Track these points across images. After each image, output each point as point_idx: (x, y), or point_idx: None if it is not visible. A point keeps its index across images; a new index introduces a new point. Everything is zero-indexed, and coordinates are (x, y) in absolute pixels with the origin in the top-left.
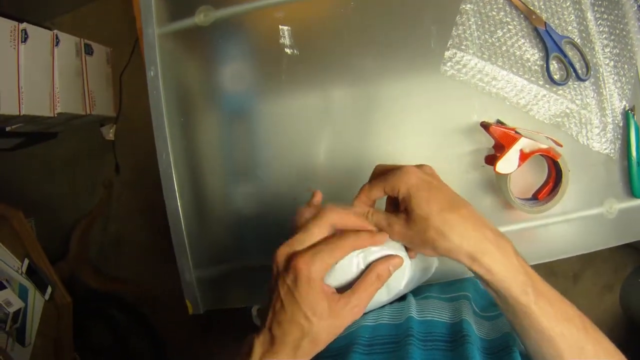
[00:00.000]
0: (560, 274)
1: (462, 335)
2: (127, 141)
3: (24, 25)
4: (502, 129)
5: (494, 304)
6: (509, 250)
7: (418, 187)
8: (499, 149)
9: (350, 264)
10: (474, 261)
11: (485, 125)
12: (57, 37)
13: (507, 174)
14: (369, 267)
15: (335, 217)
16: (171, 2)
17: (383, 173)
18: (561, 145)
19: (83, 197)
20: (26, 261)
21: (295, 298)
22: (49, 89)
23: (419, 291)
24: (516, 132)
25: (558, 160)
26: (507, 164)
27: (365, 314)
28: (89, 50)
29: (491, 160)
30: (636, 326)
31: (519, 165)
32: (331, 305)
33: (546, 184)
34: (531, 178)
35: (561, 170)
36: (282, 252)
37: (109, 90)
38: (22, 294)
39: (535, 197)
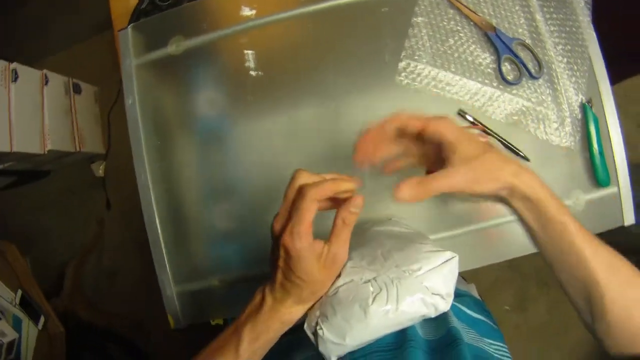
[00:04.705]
0: (552, 284)
1: (405, 341)
2: (117, 177)
3: (14, 65)
4: None
5: None
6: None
7: (464, 134)
8: None
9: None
10: (517, 177)
11: None
12: (46, 77)
13: None
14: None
15: (305, 178)
16: (146, 34)
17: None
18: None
19: (76, 233)
20: (19, 292)
21: (291, 268)
22: (39, 126)
23: None
24: None
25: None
26: None
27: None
28: (77, 89)
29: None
30: None
31: None
32: (320, 264)
33: None
34: None
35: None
36: (274, 228)
37: (98, 128)
38: (16, 325)
39: None
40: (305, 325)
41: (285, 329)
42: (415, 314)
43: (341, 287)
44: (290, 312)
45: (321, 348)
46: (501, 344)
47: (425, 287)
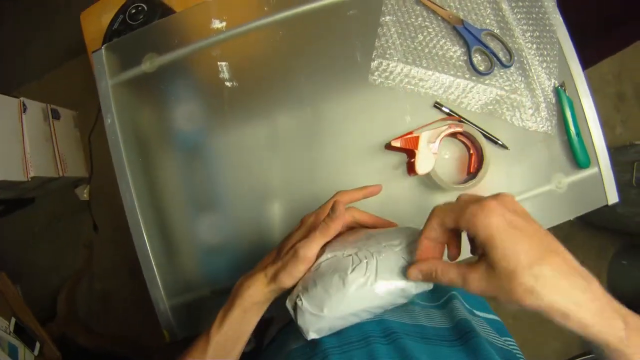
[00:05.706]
0: None
1: (392, 333)
2: (102, 199)
3: None
4: (399, 138)
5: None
6: (598, 292)
7: (501, 232)
8: (412, 154)
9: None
10: (568, 319)
11: (388, 146)
12: (24, 104)
13: (431, 170)
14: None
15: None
16: (120, 54)
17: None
18: (459, 116)
19: (66, 258)
20: (13, 320)
21: (287, 264)
22: (21, 154)
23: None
24: (413, 132)
25: (462, 130)
26: (425, 162)
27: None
28: (56, 115)
29: (411, 167)
30: (628, 307)
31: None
32: None
33: (470, 155)
34: (457, 160)
35: (473, 136)
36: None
37: (79, 152)
38: (12, 353)
39: (470, 173)
40: (287, 301)
41: (245, 304)
42: (395, 287)
43: (323, 262)
44: (249, 286)
45: (300, 321)
46: (509, 339)
47: (405, 261)
